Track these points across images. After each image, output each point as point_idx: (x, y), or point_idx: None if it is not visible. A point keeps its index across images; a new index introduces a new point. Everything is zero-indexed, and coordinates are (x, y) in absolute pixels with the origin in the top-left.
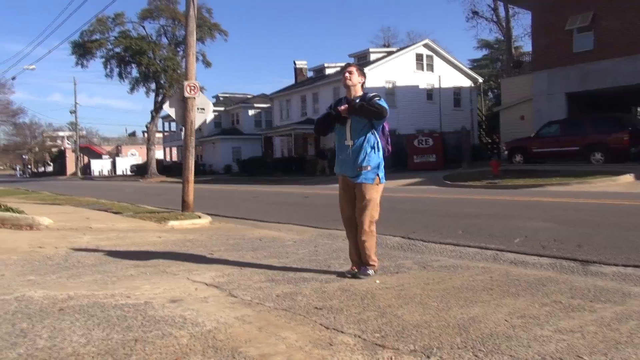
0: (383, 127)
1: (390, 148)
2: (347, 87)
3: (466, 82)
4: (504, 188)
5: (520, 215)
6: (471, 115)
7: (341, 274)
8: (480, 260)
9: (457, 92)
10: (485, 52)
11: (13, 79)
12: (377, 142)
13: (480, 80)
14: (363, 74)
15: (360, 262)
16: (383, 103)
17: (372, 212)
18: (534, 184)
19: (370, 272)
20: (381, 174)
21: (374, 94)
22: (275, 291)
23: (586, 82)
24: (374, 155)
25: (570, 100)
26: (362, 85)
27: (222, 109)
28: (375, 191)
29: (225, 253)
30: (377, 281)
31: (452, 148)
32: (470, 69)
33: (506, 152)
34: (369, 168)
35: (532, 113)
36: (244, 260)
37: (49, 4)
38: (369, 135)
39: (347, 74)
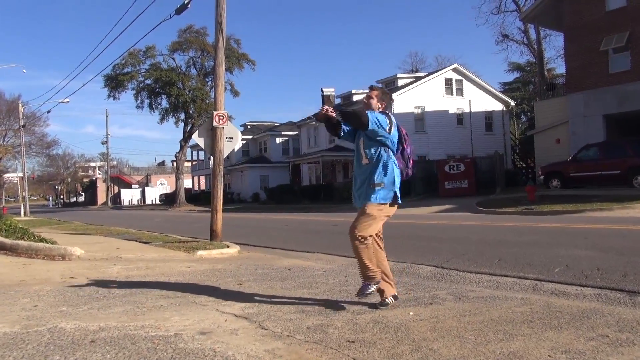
0: (403, 149)
1: (410, 172)
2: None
3: (498, 106)
4: (542, 214)
5: (559, 242)
6: (504, 139)
7: (373, 305)
8: (519, 291)
9: (488, 116)
10: (516, 74)
11: (48, 112)
12: (391, 161)
13: (513, 103)
14: (384, 99)
15: (383, 291)
16: (376, 116)
17: (368, 226)
18: (573, 209)
19: (371, 288)
20: (398, 192)
21: (379, 112)
22: (306, 323)
23: (624, 103)
24: (386, 174)
25: (608, 122)
26: (383, 109)
27: (249, 137)
28: (379, 209)
29: (254, 283)
30: (411, 313)
31: (484, 173)
32: (502, 92)
33: (542, 177)
34: (382, 185)
35: (568, 136)
36: (274, 291)
37: (83, 39)
38: (381, 151)
39: (365, 100)
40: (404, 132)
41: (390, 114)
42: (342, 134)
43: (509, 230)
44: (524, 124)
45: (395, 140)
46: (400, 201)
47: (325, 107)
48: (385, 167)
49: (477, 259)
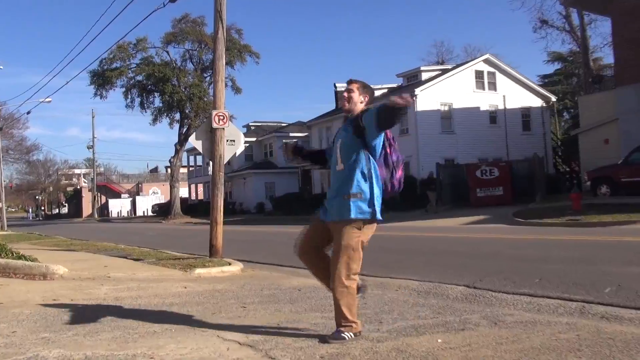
0: (386, 154)
1: (397, 184)
2: (347, 111)
3: (536, 102)
4: (589, 226)
5: (610, 258)
6: (544, 139)
7: (394, 332)
8: (564, 315)
9: (525, 113)
10: (557, 66)
11: (28, 113)
12: (373, 169)
13: (553, 98)
14: (366, 93)
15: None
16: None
17: (350, 264)
18: (625, 220)
19: (346, 335)
20: (377, 207)
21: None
22: (319, 352)
23: None
24: (365, 183)
25: None
26: (367, 104)
27: (253, 139)
28: (356, 236)
29: (260, 306)
30: (439, 340)
31: (522, 179)
32: (541, 86)
33: (588, 183)
34: (358, 196)
35: (619, 135)
36: (282, 315)
37: (67, 33)
38: (361, 155)
39: (345, 95)
40: (389, 134)
41: None
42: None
43: (552, 245)
44: (566, 122)
45: (379, 143)
46: (380, 217)
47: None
48: (364, 174)
49: (515, 277)
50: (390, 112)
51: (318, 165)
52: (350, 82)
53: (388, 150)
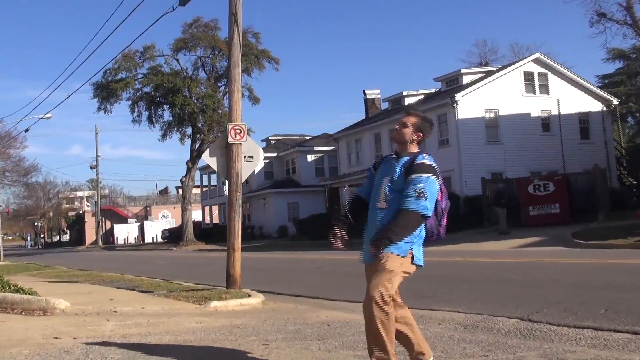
0: (437, 202)
1: (442, 231)
2: (397, 143)
3: (596, 106)
4: None
5: None
6: (605, 148)
7: None
8: (635, 351)
9: (583, 119)
10: (618, 64)
11: (26, 131)
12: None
13: (615, 102)
14: (421, 130)
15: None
16: (426, 186)
17: (390, 283)
18: None
19: None
20: (417, 252)
21: (423, 161)
22: None
23: None
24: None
25: None
26: (419, 143)
27: (274, 155)
28: (400, 263)
29: (284, 343)
30: None
31: (581, 194)
32: (600, 87)
33: None
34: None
35: None
36: (309, 353)
37: (68, 42)
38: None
39: (397, 127)
40: (440, 181)
41: (432, 160)
42: None
43: (618, 270)
44: (631, 128)
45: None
46: (421, 263)
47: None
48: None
49: (577, 308)
50: None
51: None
52: (407, 114)
53: (439, 196)
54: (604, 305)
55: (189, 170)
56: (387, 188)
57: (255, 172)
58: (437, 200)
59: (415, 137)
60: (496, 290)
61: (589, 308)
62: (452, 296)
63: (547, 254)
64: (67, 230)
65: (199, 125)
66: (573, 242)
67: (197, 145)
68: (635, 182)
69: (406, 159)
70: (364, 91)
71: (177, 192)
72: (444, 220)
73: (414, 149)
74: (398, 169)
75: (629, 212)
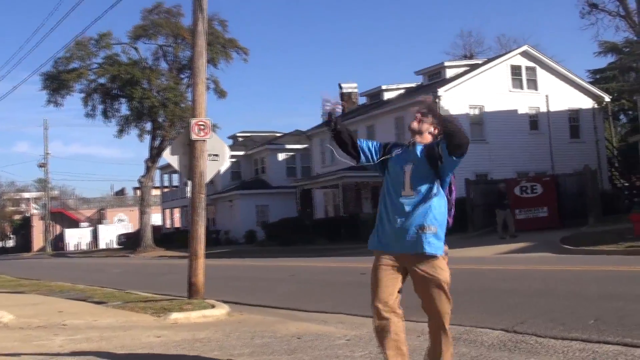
0: (451, 191)
1: (451, 221)
2: (414, 133)
3: (586, 103)
4: None
5: None
6: (596, 148)
7: None
8: None
9: (573, 116)
10: (611, 58)
11: None
12: (447, 200)
13: (607, 98)
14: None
15: None
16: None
17: (449, 303)
18: None
19: None
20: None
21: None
22: None
23: None
24: (443, 214)
25: None
26: (435, 136)
27: (241, 153)
28: (447, 269)
29: (251, 358)
30: None
31: (570, 197)
32: (592, 83)
33: None
34: (435, 230)
35: None
36: None
37: (15, 28)
38: (437, 187)
39: (419, 116)
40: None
41: None
42: (363, 157)
43: (609, 277)
44: (624, 127)
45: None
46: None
47: (338, 106)
48: (437, 207)
49: (565, 318)
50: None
51: (342, 149)
52: (424, 103)
53: (453, 186)
54: (594, 315)
55: (148, 169)
56: (412, 176)
57: (221, 172)
58: (451, 190)
59: (432, 129)
60: (480, 300)
61: (577, 318)
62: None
63: (534, 261)
64: (12, 236)
65: (160, 120)
66: (562, 247)
67: (157, 143)
68: (627, 184)
69: (423, 146)
70: (339, 84)
71: (135, 193)
72: (453, 210)
73: (428, 139)
74: (419, 155)
75: (621, 216)
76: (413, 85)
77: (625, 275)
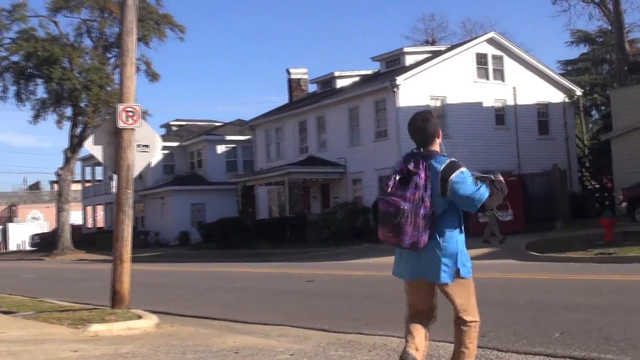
0: None
1: None
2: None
3: (557, 96)
4: (625, 261)
5: None
6: (566, 146)
7: None
8: None
9: (542, 111)
10: (583, 49)
11: None
12: (461, 218)
13: (579, 92)
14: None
15: None
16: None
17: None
18: None
19: None
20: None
21: (451, 159)
22: None
23: None
24: (461, 236)
25: None
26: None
27: (175, 144)
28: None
29: None
30: None
31: (537, 199)
32: (563, 75)
33: (624, 204)
34: (453, 254)
35: None
36: None
37: None
38: (449, 210)
39: (434, 124)
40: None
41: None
42: None
43: (576, 287)
44: (596, 124)
45: None
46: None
47: None
48: (452, 230)
49: (528, 331)
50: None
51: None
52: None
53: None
54: (559, 328)
55: (67, 160)
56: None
57: (152, 165)
58: None
59: (439, 132)
60: (439, 311)
61: (542, 331)
62: (386, 318)
63: (497, 268)
64: None
65: (82, 105)
66: (527, 254)
67: (78, 130)
68: (598, 186)
69: (440, 167)
70: (287, 70)
71: (52, 188)
72: None
73: (436, 146)
74: (434, 180)
75: (591, 220)
76: (369, 72)
77: (593, 284)
